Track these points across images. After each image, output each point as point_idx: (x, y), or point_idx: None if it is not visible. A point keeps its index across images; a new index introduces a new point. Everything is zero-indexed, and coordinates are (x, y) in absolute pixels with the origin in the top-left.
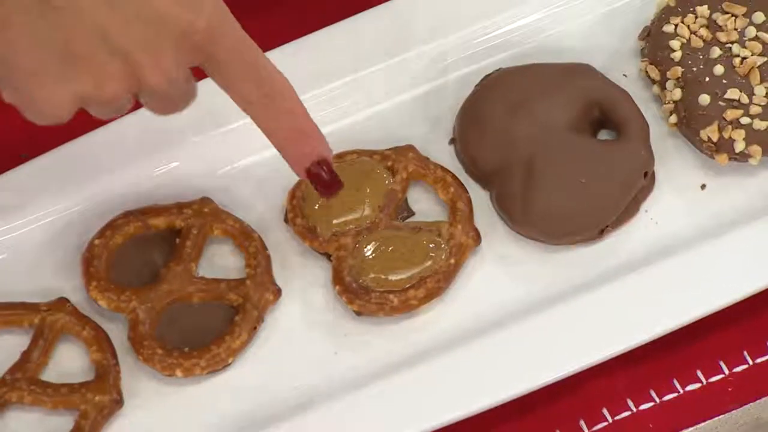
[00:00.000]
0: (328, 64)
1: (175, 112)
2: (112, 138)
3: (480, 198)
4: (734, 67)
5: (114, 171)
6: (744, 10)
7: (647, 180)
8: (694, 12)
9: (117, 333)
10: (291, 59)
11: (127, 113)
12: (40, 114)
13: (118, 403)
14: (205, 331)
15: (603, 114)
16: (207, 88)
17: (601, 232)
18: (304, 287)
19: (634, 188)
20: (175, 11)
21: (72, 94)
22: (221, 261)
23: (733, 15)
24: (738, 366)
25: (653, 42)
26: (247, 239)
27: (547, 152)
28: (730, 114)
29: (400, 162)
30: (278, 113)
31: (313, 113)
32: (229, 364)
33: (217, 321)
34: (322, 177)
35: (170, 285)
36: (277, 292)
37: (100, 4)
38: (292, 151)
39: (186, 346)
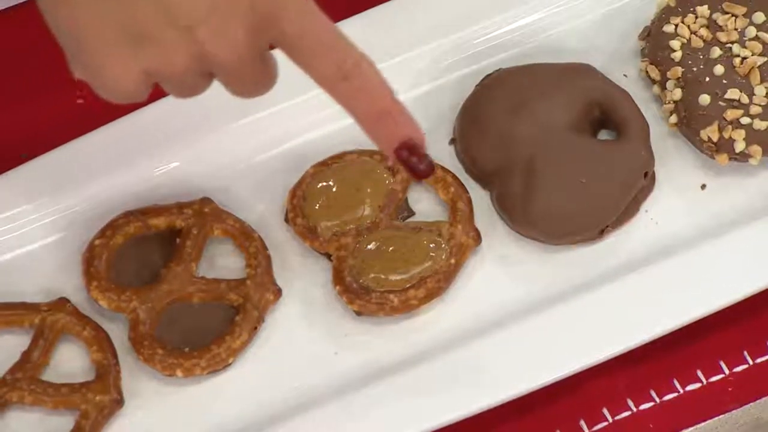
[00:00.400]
0: None
1: (255, 95)
2: (112, 138)
3: (480, 198)
4: (734, 67)
5: (114, 171)
6: (744, 10)
7: (647, 180)
8: (694, 12)
9: (117, 333)
10: None
11: (126, 113)
12: (111, 91)
13: (119, 403)
14: (206, 331)
15: (603, 114)
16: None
17: (602, 232)
18: (304, 287)
19: (634, 188)
20: None
21: (140, 70)
22: (222, 261)
23: (733, 15)
24: (738, 366)
25: (653, 42)
26: (247, 239)
27: (548, 152)
28: (731, 114)
29: None
30: (358, 92)
31: (313, 113)
32: (230, 364)
33: (218, 321)
34: (410, 161)
35: (170, 285)
36: (278, 293)
37: None
38: (375, 132)
39: (186, 346)
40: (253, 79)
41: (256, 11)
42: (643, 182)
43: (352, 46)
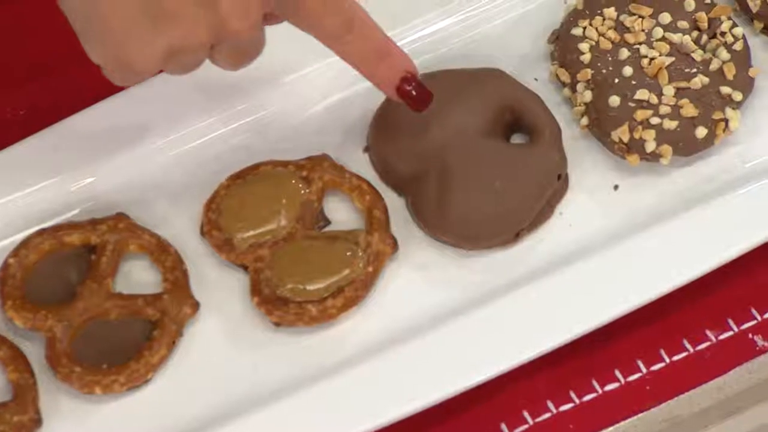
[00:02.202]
0: None
1: (246, 65)
2: (26, 154)
3: (396, 205)
4: (643, 68)
5: (29, 187)
6: (650, 11)
7: (560, 182)
8: (601, 14)
9: (34, 352)
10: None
11: (41, 129)
12: (130, 71)
13: (37, 422)
14: (124, 347)
15: (515, 118)
16: (121, 102)
17: (517, 236)
18: (222, 300)
19: (547, 191)
20: None
21: (162, 47)
22: (138, 276)
23: (639, 16)
24: (655, 364)
25: (562, 45)
26: (163, 254)
27: (461, 158)
28: (640, 114)
29: (315, 171)
30: (361, 42)
31: (228, 125)
32: (149, 380)
33: (136, 336)
34: (411, 93)
35: (87, 302)
36: (195, 306)
37: None
38: (380, 74)
39: (105, 363)
40: (253, 49)
41: None
42: (557, 185)
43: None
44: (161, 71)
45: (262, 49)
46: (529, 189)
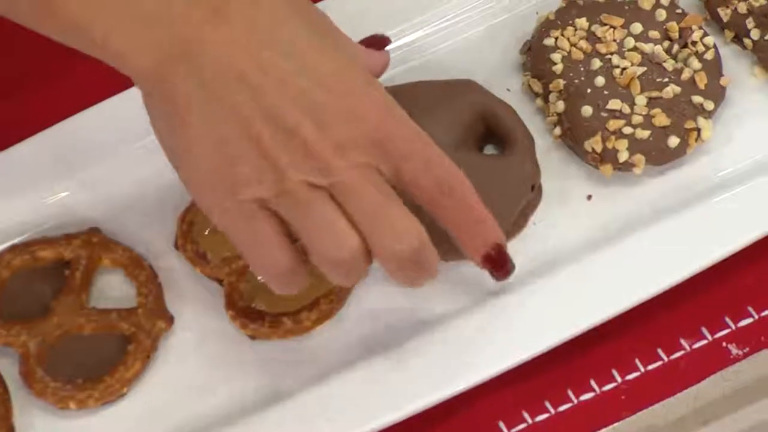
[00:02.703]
0: None
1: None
2: (0, 168)
3: None
4: (615, 78)
5: (2, 201)
6: (622, 21)
7: (534, 192)
8: (573, 25)
9: (8, 368)
10: None
11: (15, 143)
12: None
13: None
14: (98, 362)
15: (488, 129)
16: (95, 116)
17: None
18: (197, 313)
19: (521, 201)
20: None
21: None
22: (112, 291)
23: (611, 26)
24: (630, 374)
25: (534, 56)
26: (137, 268)
27: None
28: (613, 124)
29: None
30: (457, 207)
31: None
32: (124, 394)
33: (110, 351)
34: (496, 262)
35: (60, 317)
36: (170, 320)
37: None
38: (470, 241)
39: (79, 378)
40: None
41: (371, 139)
42: (530, 195)
43: (450, 163)
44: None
45: None
46: (503, 199)
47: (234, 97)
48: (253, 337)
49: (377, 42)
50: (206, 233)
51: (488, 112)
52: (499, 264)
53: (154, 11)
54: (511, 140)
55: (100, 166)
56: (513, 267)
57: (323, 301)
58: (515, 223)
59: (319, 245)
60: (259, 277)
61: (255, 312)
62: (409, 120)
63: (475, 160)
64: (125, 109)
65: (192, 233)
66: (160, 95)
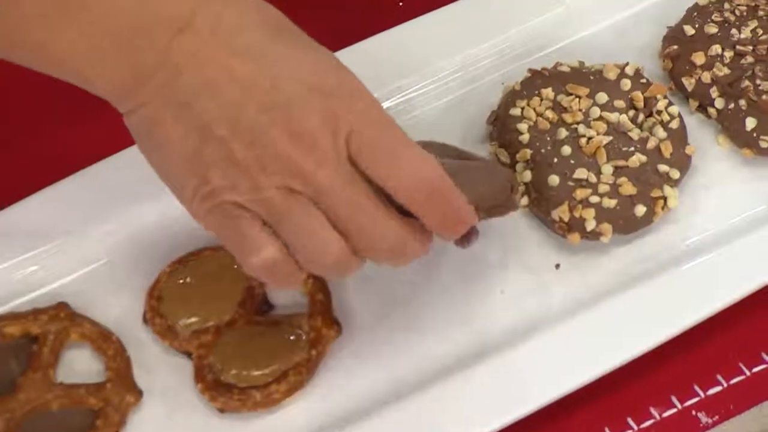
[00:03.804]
0: None
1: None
2: None
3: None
4: (581, 147)
5: None
6: (587, 91)
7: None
8: (539, 95)
9: None
10: None
11: None
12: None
13: None
14: None
15: None
16: (62, 191)
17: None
18: (166, 387)
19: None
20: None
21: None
22: (80, 366)
23: (576, 96)
24: None
25: (501, 125)
26: (105, 342)
27: None
28: (580, 193)
29: None
30: (439, 209)
31: (168, 211)
32: None
33: (79, 426)
34: (465, 238)
35: (28, 393)
36: (139, 394)
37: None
38: (450, 235)
39: None
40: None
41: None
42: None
43: (429, 167)
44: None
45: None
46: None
47: (204, 110)
48: (222, 410)
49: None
50: (174, 307)
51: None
52: (466, 238)
53: (120, 29)
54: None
55: (68, 241)
56: (477, 235)
57: (292, 372)
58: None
59: (302, 252)
60: (252, 273)
61: (224, 385)
62: (383, 121)
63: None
64: (94, 183)
65: (160, 308)
66: (136, 115)
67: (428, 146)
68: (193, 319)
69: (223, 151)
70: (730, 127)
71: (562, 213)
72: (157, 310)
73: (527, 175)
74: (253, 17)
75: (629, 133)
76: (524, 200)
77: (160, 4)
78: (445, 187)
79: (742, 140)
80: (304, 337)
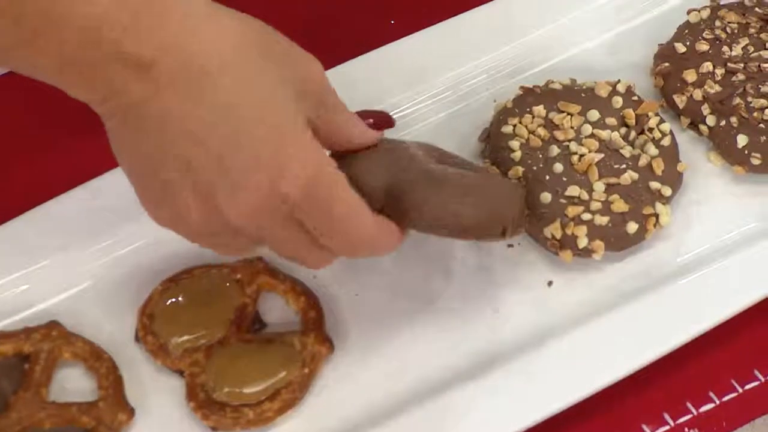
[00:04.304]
0: None
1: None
2: None
3: (334, 302)
4: (573, 164)
5: None
6: (579, 108)
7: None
8: (531, 112)
9: None
10: None
11: None
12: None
13: None
14: None
15: None
16: (54, 209)
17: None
18: (158, 405)
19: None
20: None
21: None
22: (73, 384)
23: (568, 114)
24: None
25: (493, 143)
26: (97, 361)
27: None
28: (572, 211)
29: (250, 274)
30: (355, 246)
31: (160, 230)
32: None
33: None
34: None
35: (20, 412)
36: (131, 413)
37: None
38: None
39: None
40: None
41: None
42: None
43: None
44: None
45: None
46: (506, 184)
47: (156, 149)
48: (215, 429)
49: (382, 121)
50: (166, 325)
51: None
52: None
53: (82, 64)
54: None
55: (59, 259)
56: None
57: (285, 390)
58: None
59: (299, 264)
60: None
61: (217, 403)
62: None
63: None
64: (86, 202)
65: (152, 326)
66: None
67: (428, 149)
68: (186, 337)
69: (185, 197)
70: (721, 144)
71: (554, 230)
72: (150, 329)
73: None
74: (224, 54)
75: (621, 151)
76: None
77: (118, 44)
78: (372, 242)
79: (733, 157)
80: (296, 356)
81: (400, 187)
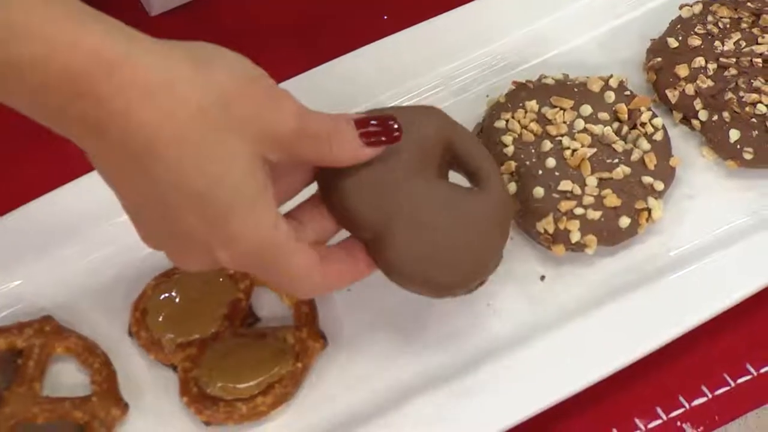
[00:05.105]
0: None
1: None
2: None
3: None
4: (565, 159)
5: None
6: (571, 103)
7: None
8: (523, 107)
9: None
10: None
11: None
12: None
13: None
14: None
15: (452, 157)
16: (47, 204)
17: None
18: (152, 400)
19: (507, 232)
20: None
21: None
22: (67, 379)
23: (561, 108)
24: None
25: (486, 138)
26: (90, 355)
27: (412, 202)
28: (564, 205)
29: None
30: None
31: None
32: None
33: None
34: (375, 133)
35: (14, 407)
36: (125, 407)
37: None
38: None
39: None
40: None
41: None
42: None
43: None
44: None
45: None
46: (491, 231)
47: (130, 192)
48: (208, 423)
49: (386, 132)
50: (160, 320)
51: (449, 141)
52: (380, 131)
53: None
54: (483, 172)
55: (52, 254)
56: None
57: (278, 385)
58: None
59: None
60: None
61: (210, 398)
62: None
63: (449, 193)
64: (78, 196)
65: (146, 321)
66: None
67: (424, 153)
68: (179, 332)
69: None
70: (713, 138)
71: (547, 225)
72: (143, 323)
73: (512, 188)
74: (176, 127)
75: (613, 145)
76: None
77: (67, 107)
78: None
79: (725, 152)
80: (289, 350)
81: (381, 236)
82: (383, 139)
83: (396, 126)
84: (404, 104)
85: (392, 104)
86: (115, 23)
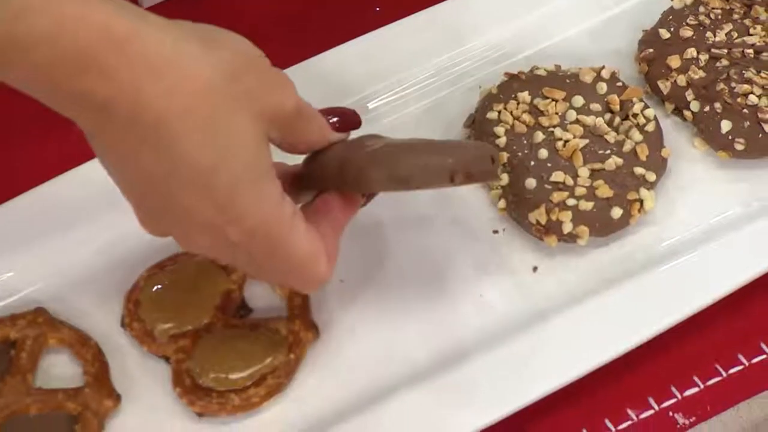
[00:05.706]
0: None
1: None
2: None
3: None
4: (557, 150)
5: None
6: (563, 94)
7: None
8: (516, 98)
9: None
10: None
11: None
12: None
13: None
14: None
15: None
16: (39, 196)
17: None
18: (144, 391)
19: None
20: None
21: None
22: (59, 371)
23: (553, 100)
24: None
25: (478, 129)
26: (83, 347)
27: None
28: (557, 196)
29: None
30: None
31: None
32: None
33: (58, 431)
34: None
35: (6, 398)
36: (117, 398)
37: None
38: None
39: None
40: None
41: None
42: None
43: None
44: None
45: None
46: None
47: (127, 180)
48: (201, 414)
49: (347, 121)
50: (152, 311)
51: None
52: (343, 121)
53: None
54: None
55: (45, 246)
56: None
57: (270, 376)
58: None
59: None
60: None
61: (203, 389)
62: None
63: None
64: (71, 189)
65: (138, 312)
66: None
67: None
68: (171, 324)
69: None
70: (705, 129)
71: (539, 216)
72: (136, 315)
73: (504, 179)
74: (185, 101)
75: (605, 136)
76: (501, 204)
77: (74, 83)
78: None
79: (717, 143)
80: (282, 341)
81: (348, 158)
82: (348, 124)
83: (356, 113)
84: (396, 95)
85: (383, 95)
86: (123, 2)
